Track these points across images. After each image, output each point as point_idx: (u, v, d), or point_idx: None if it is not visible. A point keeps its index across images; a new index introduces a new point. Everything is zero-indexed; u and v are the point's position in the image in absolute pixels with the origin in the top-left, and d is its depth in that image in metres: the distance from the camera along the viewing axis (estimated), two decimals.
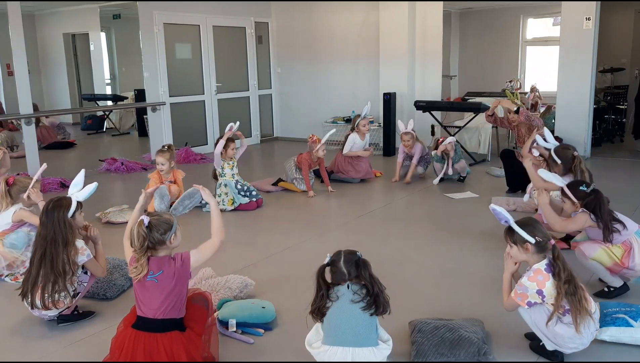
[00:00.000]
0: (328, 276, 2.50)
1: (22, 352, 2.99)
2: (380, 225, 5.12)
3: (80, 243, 3.16)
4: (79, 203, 3.19)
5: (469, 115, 7.97)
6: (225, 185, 5.64)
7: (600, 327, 2.92)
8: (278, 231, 5.00)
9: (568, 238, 4.29)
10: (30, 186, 3.92)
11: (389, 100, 8.31)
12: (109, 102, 11.56)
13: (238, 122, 5.85)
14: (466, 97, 9.48)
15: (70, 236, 3.10)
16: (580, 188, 3.38)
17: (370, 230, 4.98)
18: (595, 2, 7.30)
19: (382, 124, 8.57)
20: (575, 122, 7.59)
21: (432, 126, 8.39)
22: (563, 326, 2.63)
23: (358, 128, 6.77)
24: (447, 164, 6.45)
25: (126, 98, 11.08)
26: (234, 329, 3.07)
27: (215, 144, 5.75)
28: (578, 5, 7.38)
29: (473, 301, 3.44)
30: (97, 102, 11.64)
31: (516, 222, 2.72)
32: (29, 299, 3.10)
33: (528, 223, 2.72)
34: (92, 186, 3.25)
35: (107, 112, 11.41)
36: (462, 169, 6.52)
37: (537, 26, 11.39)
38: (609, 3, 8.07)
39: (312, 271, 2.72)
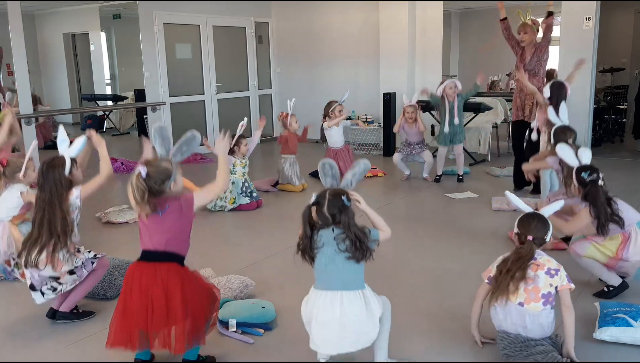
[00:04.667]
0: (314, 216, 2.53)
1: (22, 352, 2.99)
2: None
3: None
4: (73, 160, 3.13)
5: (469, 115, 7.97)
6: (233, 183, 5.57)
7: (600, 326, 2.93)
8: (278, 231, 5.00)
9: (567, 239, 4.28)
10: (24, 165, 3.79)
11: (389, 100, 8.31)
12: (109, 102, 11.56)
13: (246, 119, 5.82)
14: None
15: (66, 194, 3.06)
16: (582, 174, 3.31)
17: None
18: (595, 2, 7.30)
19: (382, 124, 8.57)
20: (575, 122, 7.54)
21: (432, 126, 8.38)
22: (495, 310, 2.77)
23: (334, 114, 6.66)
24: (452, 114, 6.33)
25: (126, 98, 11.08)
26: (234, 329, 3.07)
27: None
28: (578, 5, 7.37)
29: (473, 302, 3.43)
30: (97, 102, 11.63)
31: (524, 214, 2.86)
32: (25, 258, 3.05)
33: (523, 217, 2.84)
34: (82, 139, 3.18)
35: (107, 112, 11.41)
36: (460, 162, 6.49)
37: None
38: (609, 3, 8.06)
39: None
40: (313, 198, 2.54)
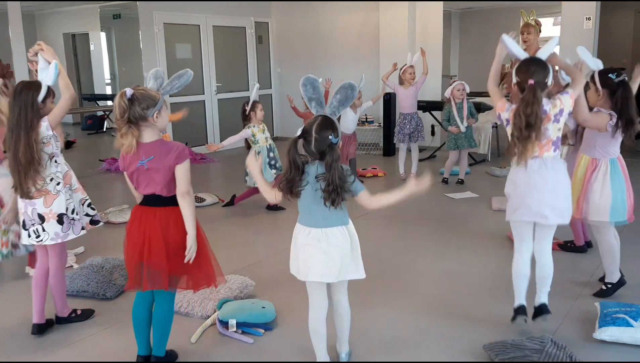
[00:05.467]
0: (300, 148, 2.47)
1: (22, 353, 2.99)
2: (380, 225, 5.12)
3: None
4: (50, 89, 2.96)
5: None
6: (259, 152, 5.34)
7: (600, 326, 2.93)
8: (278, 230, 5.00)
9: (566, 248, 4.22)
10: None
11: (389, 100, 8.30)
12: (109, 102, 11.56)
13: (258, 84, 5.67)
14: (466, 97, 9.46)
15: (36, 121, 2.89)
16: (610, 75, 3.19)
17: (370, 230, 4.97)
18: (595, 2, 7.30)
19: (382, 124, 8.57)
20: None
21: (432, 126, 8.39)
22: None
23: None
24: (461, 115, 6.30)
25: None
26: (234, 329, 3.07)
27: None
28: (578, 5, 7.38)
29: (473, 302, 3.43)
30: (97, 102, 11.64)
31: (521, 60, 2.80)
32: (20, 190, 2.92)
33: (521, 64, 2.78)
34: (52, 65, 2.94)
35: (107, 112, 11.41)
36: (464, 165, 6.51)
37: None
38: (609, 3, 8.07)
39: None
40: (299, 132, 2.45)
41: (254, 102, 5.40)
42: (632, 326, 2.87)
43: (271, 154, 5.45)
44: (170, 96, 8.43)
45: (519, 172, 2.83)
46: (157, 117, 2.53)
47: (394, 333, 3.08)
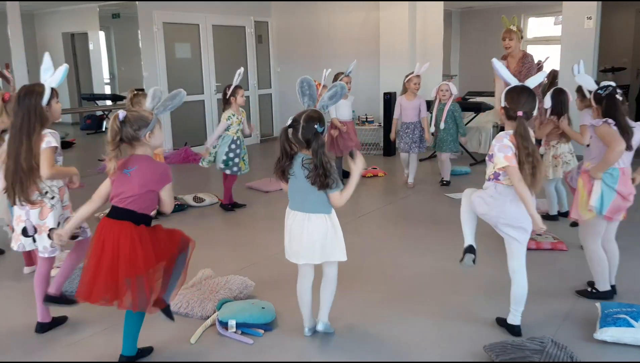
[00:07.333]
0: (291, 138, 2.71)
1: (22, 352, 2.98)
2: (380, 225, 5.11)
3: (45, 130, 2.89)
4: (54, 90, 2.94)
5: (469, 115, 7.95)
6: (223, 138, 5.29)
7: (601, 327, 2.92)
8: (278, 231, 4.96)
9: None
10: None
11: (389, 100, 8.29)
12: (108, 102, 11.54)
13: (242, 68, 5.57)
14: (467, 97, 9.45)
15: (38, 126, 2.85)
16: (598, 91, 3.27)
17: (370, 230, 4.96)
18: (596, 1, 7.29)
19: (382, 124, 8.56)
20: (576, 122, 7.56)
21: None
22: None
23: None
24: (439, 117, 6.22)
25: (125, 98, 11.03)
26: (234, 330, 3.06)
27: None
28: (579, 4, 7.36)
29: (473, 302, 3.43)
30: (96, 101, 11.62)
31: (510, 87, 2.85)
32: (18, 196, 2.89)
33: (512, 90, 2.82)
34: (63, 68, 2.94)
35: (106, 112, 11.39)
36: (444, 168, 6.47)
37: (538, 25, 11.37)
38: (610, 3, 8.05)
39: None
40: (289, 121, 2.68)
41: (236, 87, 5.35)
42: (632, 326, 2.86)
43: (232, 146, 5.28)
44: None
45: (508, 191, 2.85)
46: (149, 137, 2.60)
47: (393, 332, 3.07)
